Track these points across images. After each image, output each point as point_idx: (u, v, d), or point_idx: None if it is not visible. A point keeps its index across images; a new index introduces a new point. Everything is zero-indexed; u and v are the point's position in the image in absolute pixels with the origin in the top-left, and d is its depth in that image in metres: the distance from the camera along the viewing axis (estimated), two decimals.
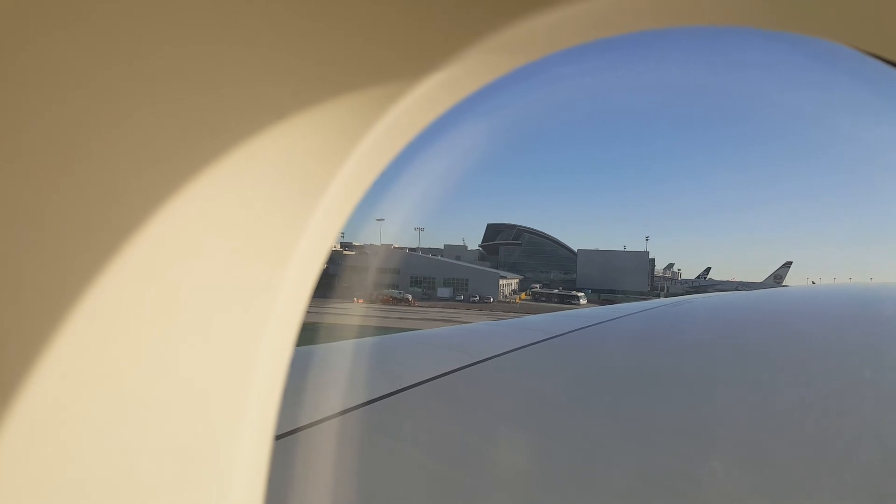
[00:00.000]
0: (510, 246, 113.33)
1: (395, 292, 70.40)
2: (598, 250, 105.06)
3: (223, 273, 0.70)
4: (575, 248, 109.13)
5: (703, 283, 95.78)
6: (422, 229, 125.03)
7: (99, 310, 0.62)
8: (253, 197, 0.70)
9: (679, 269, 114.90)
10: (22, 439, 0.59)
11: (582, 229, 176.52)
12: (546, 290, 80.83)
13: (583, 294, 77.97)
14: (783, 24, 0.71)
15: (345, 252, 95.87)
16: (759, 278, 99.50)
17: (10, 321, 0.59)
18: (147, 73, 0.64)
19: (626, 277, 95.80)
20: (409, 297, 69.05)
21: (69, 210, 0.61)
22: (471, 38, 0.68)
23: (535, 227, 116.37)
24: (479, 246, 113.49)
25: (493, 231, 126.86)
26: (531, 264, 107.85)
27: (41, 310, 0.59)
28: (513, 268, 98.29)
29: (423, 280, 78.33)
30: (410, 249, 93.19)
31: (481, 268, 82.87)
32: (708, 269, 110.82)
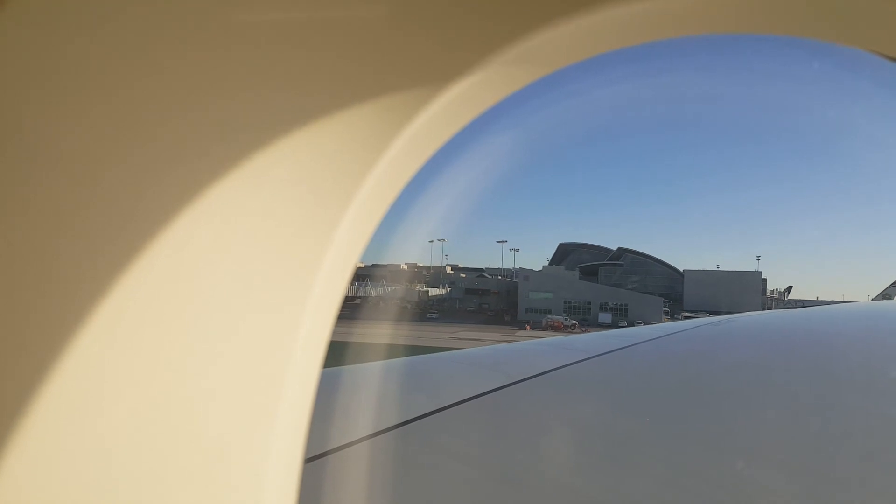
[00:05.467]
0: (610, 267, 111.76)
1: (562, 318, 68.84)
2: (706, 270, 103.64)
3: (247, 281, 0.69)
4: (680, 269, 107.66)
5: (804, 303, 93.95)
6: (517, 250, 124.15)
7: (119, 318, 0.61)
8: (276, 204, 0.70)
9: (786, 289, 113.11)
10: (43, 442, 0.59)
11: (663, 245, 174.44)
12: (693, 314, 79.10)
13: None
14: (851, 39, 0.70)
15: (461, 275, 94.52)
16: (868, 297, 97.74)
17: (34, 325, 0.60)
18: (168, 78, 0.64)
19: (738, 297, 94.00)
20: (576, 323, 67.48)
21: (92, 216, 0.62)
22: (490, 49, 0.68)
23: (597, 244, 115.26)
24: (578, 267, 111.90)
25: (564, 250, 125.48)
26: (634, 285, 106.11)
27: (62, 316, 0.60)
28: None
29: (576, 305, 76.66)
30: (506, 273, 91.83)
31: (640, 292, 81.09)
32: (789, 288, 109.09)
